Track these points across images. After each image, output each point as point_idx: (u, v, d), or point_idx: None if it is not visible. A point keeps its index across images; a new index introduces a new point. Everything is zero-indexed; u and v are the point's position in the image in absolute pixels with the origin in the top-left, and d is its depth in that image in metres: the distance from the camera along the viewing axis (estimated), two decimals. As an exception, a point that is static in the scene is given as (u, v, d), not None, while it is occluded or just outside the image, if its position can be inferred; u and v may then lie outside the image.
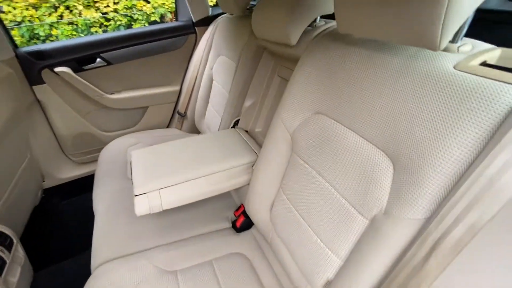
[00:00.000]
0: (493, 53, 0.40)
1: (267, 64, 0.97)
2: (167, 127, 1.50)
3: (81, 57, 1.22)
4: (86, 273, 0.72)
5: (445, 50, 0.43)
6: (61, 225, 1.29)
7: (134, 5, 3.53)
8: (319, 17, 0.73)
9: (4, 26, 1.08)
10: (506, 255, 0.30)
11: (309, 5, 0.68)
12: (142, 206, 0.70)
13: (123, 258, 0.74)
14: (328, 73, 0.59)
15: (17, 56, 1.11)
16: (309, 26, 0.73)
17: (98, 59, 1.25)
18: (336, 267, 0.51)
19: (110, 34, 1.27)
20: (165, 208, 0.74)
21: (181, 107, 1.42)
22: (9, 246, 0.84)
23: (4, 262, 0.78)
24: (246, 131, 1.06)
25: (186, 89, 1.39)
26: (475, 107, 0.35)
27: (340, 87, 0.56)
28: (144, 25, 3.72)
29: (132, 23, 3.63)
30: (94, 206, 0.95)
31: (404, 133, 0.43)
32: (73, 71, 1.21)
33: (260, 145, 0.94)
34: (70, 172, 1.40)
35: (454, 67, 0.40)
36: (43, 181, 1.33)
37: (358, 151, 0.51)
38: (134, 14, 3.58)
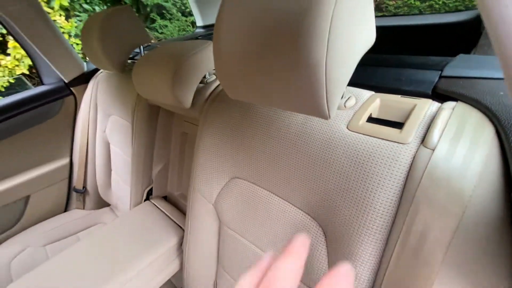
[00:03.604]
0: (374, 104, 0.42)
1: (167, 122, 0.87)
2: (65, 210, 1.21)
3: None
4: None
5: None
6: None
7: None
8: (208, 73, 0.69)
9: None
10: None
11: (194, 63, 0.62)
12: None
13: None
14: (232, 137, 0.54)
15: None
16: (200, 83, 0.67)
17: None
18: None
19: None
20: None
21: (77, 183, 1.16)
22: None
23: None
24: (165, 197, 0.93)
25: (78, 161, 1.15)
26: (379, 172, 0.35)
27: (249, 150, 0.52)
28: (9, 82, 3.06)
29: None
30: None
31: (323, 198, 0.41)
32: None
33: (184, 212, 0.83)
34: None
35: (348, 128, 0.40)
36: None
37: (284, 215, 0.47)
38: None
